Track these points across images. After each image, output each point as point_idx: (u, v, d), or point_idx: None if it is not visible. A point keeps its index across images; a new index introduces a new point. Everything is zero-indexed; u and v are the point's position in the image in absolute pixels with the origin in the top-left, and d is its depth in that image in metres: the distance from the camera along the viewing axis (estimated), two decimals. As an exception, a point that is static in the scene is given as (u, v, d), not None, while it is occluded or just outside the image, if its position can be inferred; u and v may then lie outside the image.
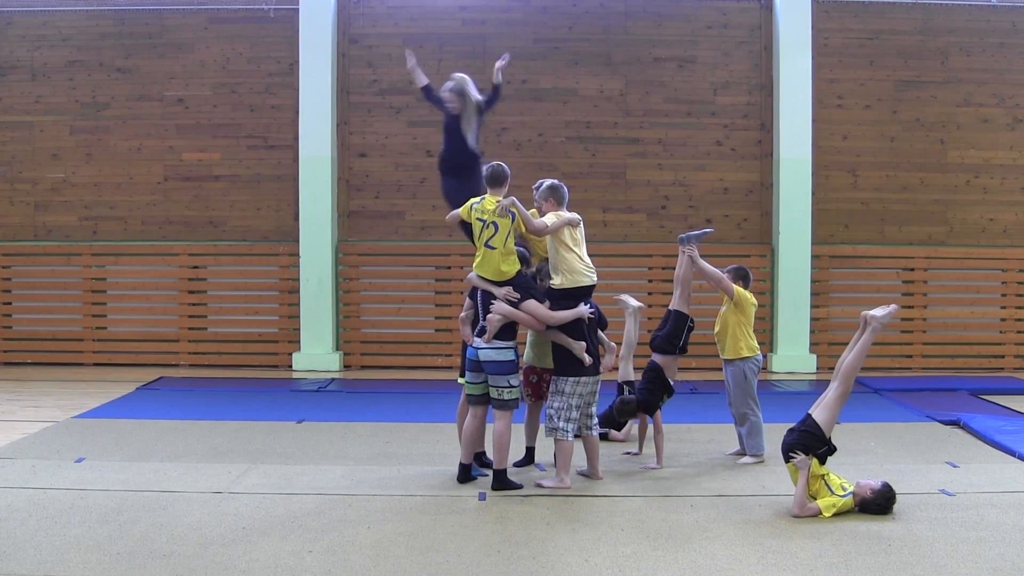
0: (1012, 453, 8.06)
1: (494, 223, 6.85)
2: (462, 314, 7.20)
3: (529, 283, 6.99)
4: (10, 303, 13.94)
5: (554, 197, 7.13)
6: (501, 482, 6.88)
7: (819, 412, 6.48)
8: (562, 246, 6.94)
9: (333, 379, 12.63)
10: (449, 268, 13.57)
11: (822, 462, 6.39)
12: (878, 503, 6.28)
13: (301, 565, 5.34)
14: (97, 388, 11.61)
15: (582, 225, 7.11)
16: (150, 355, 13.69)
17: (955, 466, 7.70)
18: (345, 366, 13.56)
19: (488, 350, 6.84)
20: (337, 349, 13.58)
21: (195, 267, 13.81)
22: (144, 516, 6.19)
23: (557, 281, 6.95)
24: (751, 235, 13.80)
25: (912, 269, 13.70)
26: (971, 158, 13.77)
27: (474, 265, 7.04)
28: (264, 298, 13.86)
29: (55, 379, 12.43)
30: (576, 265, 6.95)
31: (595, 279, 7.05)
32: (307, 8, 13.37)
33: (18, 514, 6.21)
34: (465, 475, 7.11)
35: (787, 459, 6.44)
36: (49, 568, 5.26)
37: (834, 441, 6.48)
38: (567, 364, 6.95)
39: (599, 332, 7.40)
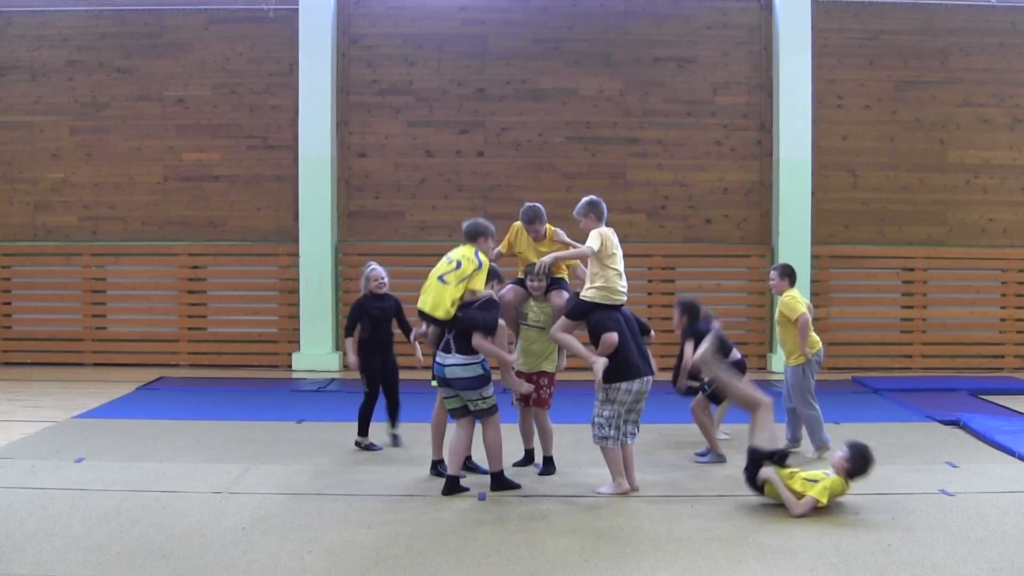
0: (1012, 453, 8.06)
1: (458, 262, 6.79)
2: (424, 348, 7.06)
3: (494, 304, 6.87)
4: (10, 303, 13.95)
5: (593, 213, 7.01)
6: (500, 483, 6.87)
7: (754, 439, 6.64)
8: (596, 263, 6.83)
9: (333, 379, 12.63)
10: (449, 268, 13.54)
11: (783, 466, 6.52)
12: (856, 463, 6.40)
13: (301, 565, 5.34)
14: (97, 388, 11.61)
15: (615, 236, 6.99)
16: (150, 355, 13.69)
17: (955, 466, 7.70)
18: (345, 366, 13.52)
19: (455, 367, 6.77)
20: (337, 349, 13.57)
21: (195, 267, 13.81)
22: (144, 516, 6.18)
23: (590, 294, 6.82)
24: (751, 235, 13.80)
25: (912, 269, 13.70)
26: (971, 158, 13.78)
27: (419, 301, 6.88)
28: (264, 298, 13.86)
29: (55, 379, 12.44)
30: (616, 284, 6.83)
31: (625, 300, 6.93)
32: (307, 8, 13.39)
33: (18, 514, 6.20)
34: (453, 487, 6.79)
35: (758, 489, 6.53)
36: (49, 568, 5.25)
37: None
38: (619, 368, 6.68)
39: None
